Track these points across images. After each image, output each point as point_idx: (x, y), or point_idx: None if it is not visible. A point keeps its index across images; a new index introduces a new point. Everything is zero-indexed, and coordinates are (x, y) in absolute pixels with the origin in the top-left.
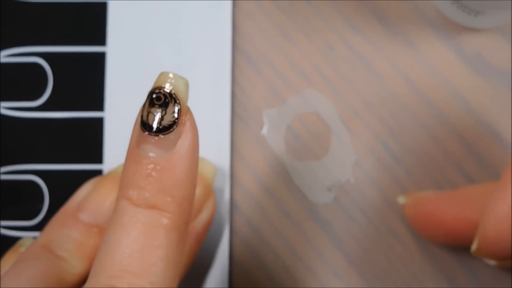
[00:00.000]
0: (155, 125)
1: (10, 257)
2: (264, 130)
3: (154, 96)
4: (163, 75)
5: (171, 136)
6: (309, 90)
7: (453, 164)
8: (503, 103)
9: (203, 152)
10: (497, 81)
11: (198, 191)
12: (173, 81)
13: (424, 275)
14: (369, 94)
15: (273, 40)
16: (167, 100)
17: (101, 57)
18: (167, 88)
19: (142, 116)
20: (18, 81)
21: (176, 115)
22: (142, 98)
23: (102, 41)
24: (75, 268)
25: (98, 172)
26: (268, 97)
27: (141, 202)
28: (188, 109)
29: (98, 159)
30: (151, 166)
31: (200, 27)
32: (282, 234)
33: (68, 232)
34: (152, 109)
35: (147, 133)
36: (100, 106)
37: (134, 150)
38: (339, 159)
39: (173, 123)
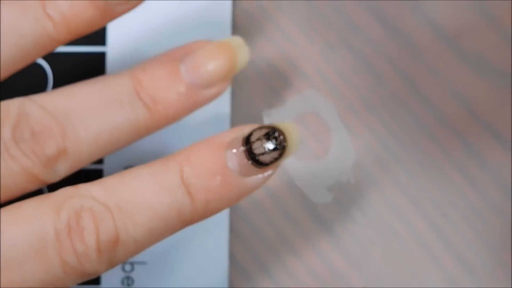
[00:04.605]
0: (255, 154)
1: None
2: None
3: (275, 134)
4: (292, 127)
5: (255, 168)
6: (309, 90)
7: (453, 164)
8: (503, 103)
9: None
10: (497, 81)
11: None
12: (293, 134)
13: (424, 275)
14: (369, 94)
15: (273, 40)
16: (279, 146)
17: (101, 57)
18: (286, 140)
19: (252, 135)
20: (18, 81)
21: (273, 161)
22: None
23: (102, 41)
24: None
25: (98, 172)
26: (268, 97)
27: (187, 184)
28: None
29: (99, 159)
30: (222, 173)
31: (200, 27)
32: (282, 234)
33: None
34: (264, 142)
35: (243, 149)
36: None
37: (221, 147)
38: (339, 159)
39: (267, 164)
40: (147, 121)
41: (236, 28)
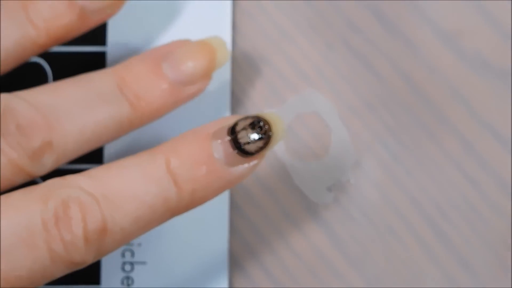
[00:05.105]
0: (240, 143)
1: None
2: None
3: (260, 123)
4: (276, 117)
5: (240, 158)
6: (309, 90)
7: (453, 164)
8: (503, 103)
9: None
10: (497, 81)
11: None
12: (278, 124)
13: (424, 275)
14: (369, 94)
15: (273, 40)
16: (264, 135)
17: (101, 57)
18: (270, 129)
19: (237, 125)
20: (18, 81)
21: (258, 150)
22: None
23: (102, 41)
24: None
25: None
26: (268, 97)
27: (173, 173)
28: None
29: (98, 159)
30: (208, 163)
31: (200, 27)
32: (282, 234)
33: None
34: (249, 131)
35: (228, 139)
36: None
37: (207, 137)
38: (339, 159)
39: (252, 154)
40: (131, 117)
41: (236, 28)
